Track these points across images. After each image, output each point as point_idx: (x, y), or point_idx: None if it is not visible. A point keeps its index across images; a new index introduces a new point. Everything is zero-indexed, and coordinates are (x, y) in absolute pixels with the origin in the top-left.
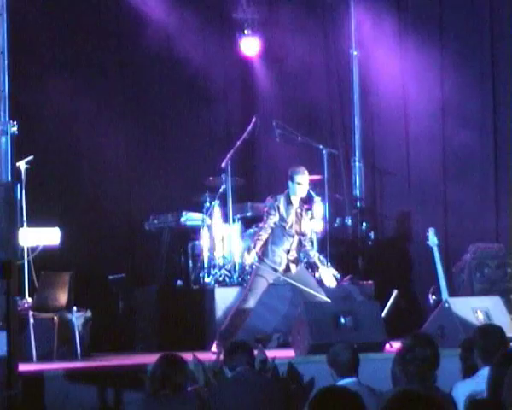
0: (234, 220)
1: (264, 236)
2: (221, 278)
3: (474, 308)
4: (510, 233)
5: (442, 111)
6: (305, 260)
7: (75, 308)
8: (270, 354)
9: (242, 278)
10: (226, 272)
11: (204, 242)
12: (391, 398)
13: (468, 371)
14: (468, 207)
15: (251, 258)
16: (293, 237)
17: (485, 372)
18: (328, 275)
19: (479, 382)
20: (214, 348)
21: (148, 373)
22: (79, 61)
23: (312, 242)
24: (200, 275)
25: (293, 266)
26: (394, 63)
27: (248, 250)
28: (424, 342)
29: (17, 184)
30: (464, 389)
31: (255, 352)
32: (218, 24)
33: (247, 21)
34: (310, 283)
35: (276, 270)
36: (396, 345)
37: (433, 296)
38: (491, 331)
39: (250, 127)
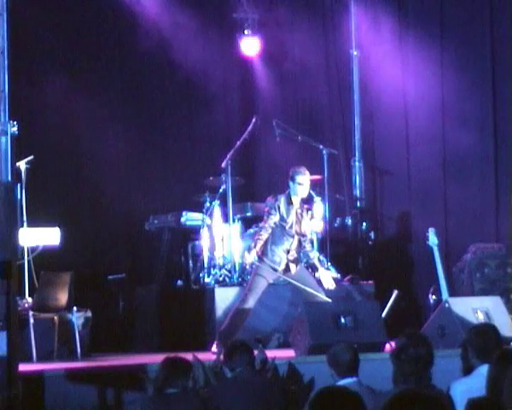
0: (234, 220)
1: (264, 235)
2: (221, 278)
3: (474, 308)
4: (510, 233)
5: (442, 111)
6: (305, 260)
7: (75, 308)
8: (270, 354)
9: (242, 278)
10: (226, 272)
11: (204, 242)
12: (391, 398)
13: (469, 370)
14: (468, 207)
15: (251, 257)
16: (293, 237)
17: (481, 370)
18: (327, 277)
19: (476, 380)
20: (214, 348)
21: (149, 373)
22: (80, 62)
23: (312, 242)
24: (200, 275)
25: (292, 266)
26: (394, 63)
27: (249, 250)
28: (417, 342)
29: (17, 184)
30: (462, 388)
31: (255, 352)
32: (218, 24)
33: (247, 21)
34: (310, 283)
35: (275, 270)
36: None
37: (433, 296)
38: (486, 331)
39: (250, 127)
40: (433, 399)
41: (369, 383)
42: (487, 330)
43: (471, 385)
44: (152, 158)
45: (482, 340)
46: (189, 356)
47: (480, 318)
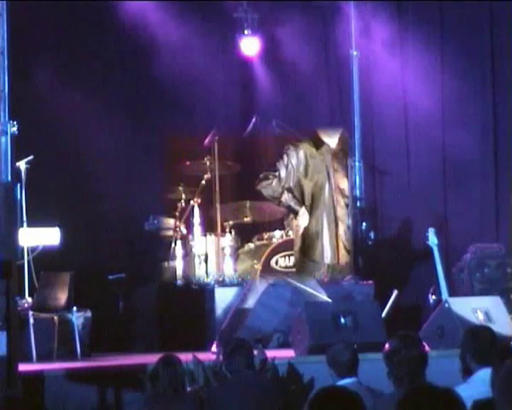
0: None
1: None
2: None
3: (474, 308)
4: (510, 233)
5: (442, 111)
6: None
7: (75, 308)
8: (270, 354)
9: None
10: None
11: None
12: (405, 395)
13: (468, 371)
14: (468, 207)
15: None
16: None
17: (481, 375)
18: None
19: (475, 385)
20: (214, 348)
21: (147, 374)
22: (80, 62)
23: None
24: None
25: None
26: (394, 63)
27: None
28: (409, 343)
29: (17, 184)
30: (461, 395)
31: (255, 352)
32: (218, 24)
33: (247, 21)
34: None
35: None
36: None
37: (433, 296)
38: (481, 333)
39: (250, 127)
40: (449, 394)
41: (369, 383)
42: (481, 332)
43: (471, 392)
44: (152, 158)
45: (477, 342)
46: (189, 356)
47: (480, 318)
